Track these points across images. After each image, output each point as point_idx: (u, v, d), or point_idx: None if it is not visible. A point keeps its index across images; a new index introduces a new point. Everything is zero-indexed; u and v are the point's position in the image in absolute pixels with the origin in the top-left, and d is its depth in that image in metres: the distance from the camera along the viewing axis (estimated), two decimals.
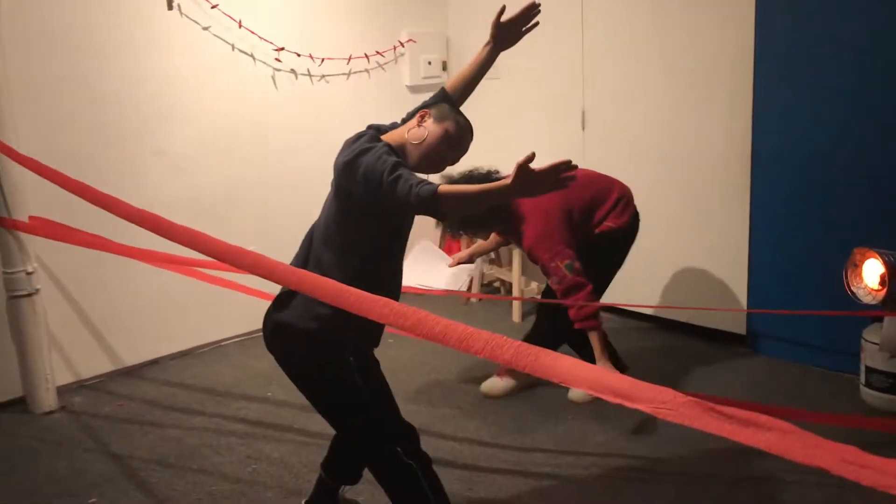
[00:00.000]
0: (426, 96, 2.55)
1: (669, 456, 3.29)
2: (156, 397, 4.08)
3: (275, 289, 2.42)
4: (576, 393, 3.79)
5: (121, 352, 4.37)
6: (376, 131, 2.32)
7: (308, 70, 4.98)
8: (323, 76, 5.05)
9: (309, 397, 2.42)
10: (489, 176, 3.47)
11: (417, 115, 2.34)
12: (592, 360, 3.50)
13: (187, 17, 4.40)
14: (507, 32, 2.48)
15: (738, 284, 4.33)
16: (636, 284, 4.75)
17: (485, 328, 1.57)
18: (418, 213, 2.13)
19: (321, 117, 5.05)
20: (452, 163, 2.35)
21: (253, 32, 4.65)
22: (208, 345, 4.74)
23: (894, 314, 3.32)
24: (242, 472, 3.28)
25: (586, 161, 4.80)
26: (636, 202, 3.81)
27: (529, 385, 3.94)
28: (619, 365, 3.82)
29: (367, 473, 2.67)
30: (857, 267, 3.44)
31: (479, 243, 4.06)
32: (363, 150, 2.14)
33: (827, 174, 3.89)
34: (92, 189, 3.05)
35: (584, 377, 1.26)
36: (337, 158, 2.22)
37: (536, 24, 2.46)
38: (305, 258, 2.36)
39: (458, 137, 2.29)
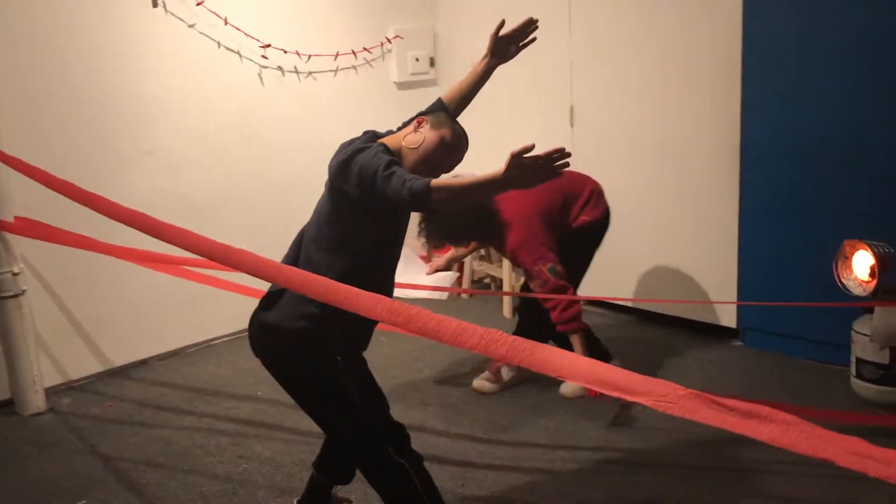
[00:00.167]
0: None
1: (661, 449, 3.29)
2: (145, 398, 4.05)
3: (264, 287, 2.40)
4: (568, 387, 3.79)
5: (109, 352, 4.34)
6: (373, 135, 2.32)
7: (295, 67, 4.95)
8: (310, 73, 5.03)
9: (297, 399, 2.41)
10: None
11: (414, 121, 2.35)
12: None
13: (172, 14, 4.36)
14: (504, 46, 2.50)
15: (728, 277, 4.33)
16: (626, 279, 4.75)
17: (475, 324, 1.56)
18: (412, 208, 2.12)
19: (309, 114, 5.02)
20: (448, 170, 2.35)
21: (239, 29, 4.61)
22: (197, 344, 4.71)
23: (884, 305, 3.33)
24: (234, 472, 3.26)
25: (575, 158, 4.74)
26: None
27: (521, 381, 3.93)
28: (603, 354, 3.84)
29: (359, 472, 2.66)
30: (847, 259, 3.44)
31: (456, 250, 4.06)
32: (359, 149, 2.16)
33: (816, 166, 3.90)
34: (78, 188, 3.03)
35: (582, 371, 1.25)
36: (332, 159, 2.22)
37: (534, 39, 2.50)
38: (295, 259, 2.35)
39: (455, 144, 2.30)
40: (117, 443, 3.56)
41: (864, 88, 3.69)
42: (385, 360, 4.15)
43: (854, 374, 3.57)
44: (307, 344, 2.27)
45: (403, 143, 2.28)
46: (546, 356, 1.29)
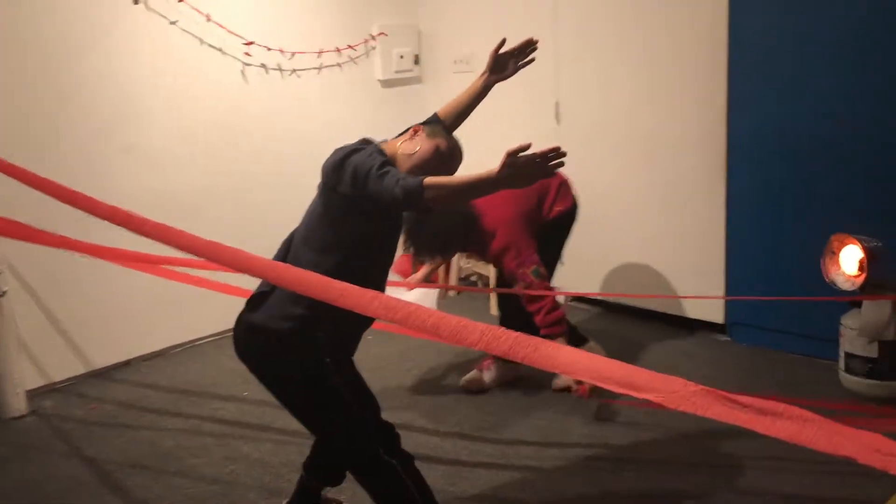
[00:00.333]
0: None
1: (648, 444, 3.29)
2: (129, 399, 3.99)
3: (250, 286, 2.37)
4: (563, 380, 3.75)
5: (92, 354, 4.28)
6: (368, 141, 2.32)
7: (279, 64, 4.90)
8: (294, 70, 4.98)
9: (284, 401, 2.38)
10: None
11: (410, 129, 2.36)
12: None
13: (154, 11, 4.31)
14: (504, 64, 2.54)
15: (716, 272, 4.33)
16: (612, 275, 4.75)
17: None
18: (405, 207, 2.10)
19: (293, 112, 4.98)
20: None
21: (221, 26, 4.56)
22: (182, 344, 4.66)
23: (872, 299, 3.34)
24: (221, 474, 3.22)
25: None
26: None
27: (510, 378, 3.91)
28: (578, 339, 3.82)
29: (349, 473, 2.63)
30: (835, 254, 3.45)
31: (430, 263, 4.01)
32: (353, 150, 2.18)
33: (803, 161, 3.90)
34: (60, 186, 2.96)
35: (588, 367, 1.22)
36: (326, 161, 2.22)
37: (532, 59, 2.54)
38: (283, 260, 2.32)
39: (449, 154, 2.30)
40: (101, 445, 3.51)
41: (851, 84, 3.70)
42: (373, 359, 4.12)
43: (843, 368, 3.58)
44: (295, 345, 2.25)
45: (399, 150, 2.29)
46: (551, 352, 1.26)
